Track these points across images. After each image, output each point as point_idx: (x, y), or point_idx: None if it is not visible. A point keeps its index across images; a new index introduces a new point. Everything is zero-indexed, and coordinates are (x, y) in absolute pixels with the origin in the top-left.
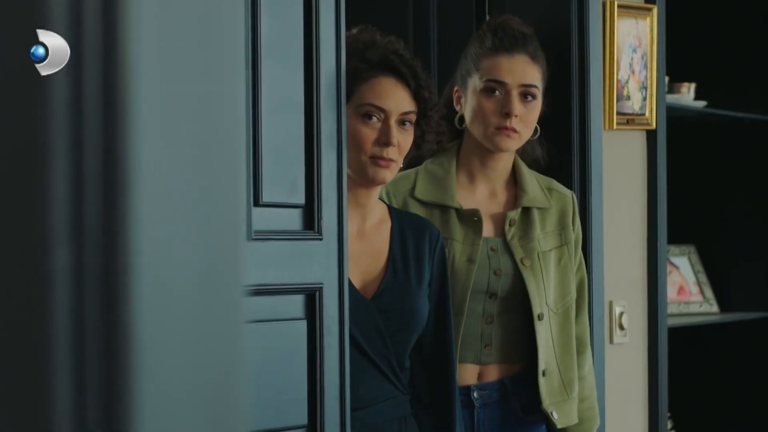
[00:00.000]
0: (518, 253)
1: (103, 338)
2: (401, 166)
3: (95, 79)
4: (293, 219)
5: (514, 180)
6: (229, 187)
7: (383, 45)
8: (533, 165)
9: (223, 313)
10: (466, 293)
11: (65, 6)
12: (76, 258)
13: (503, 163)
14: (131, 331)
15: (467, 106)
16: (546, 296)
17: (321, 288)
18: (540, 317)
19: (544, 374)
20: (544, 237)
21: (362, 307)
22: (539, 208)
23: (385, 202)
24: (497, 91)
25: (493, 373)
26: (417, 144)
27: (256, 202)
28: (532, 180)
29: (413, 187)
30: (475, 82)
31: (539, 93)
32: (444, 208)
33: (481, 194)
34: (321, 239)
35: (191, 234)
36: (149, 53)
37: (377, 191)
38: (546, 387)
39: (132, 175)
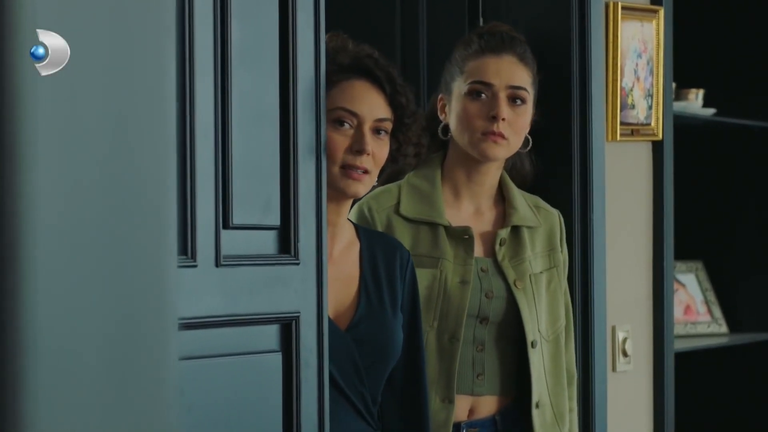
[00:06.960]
0: (511, 275)
1: None
2: (376, 181)
3: None
4: (267, 242)
5: (501, 197)
6: (156, 219)
7: (355, 50)
8: (521, 182)
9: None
10: (461, 317)
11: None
12: None
13: (490, 177)
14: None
15: (452, 113)
16: (538, 322)
17: (297, 317)
18: (533, 344)
19: (537, 406)
20: (534, 258)
21: (337, 339)
22: (528, 227)
23: (352, 222)
24: (483, 94)
25: (485, 408)
26: (393, 157)
27: (226, 225)
28: (520, 197)
29: (398, 203)
30: (460, 85)
31: (529, 97)
32: (432, 226)
33: (466, 211)
34: (298, 263)
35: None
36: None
37: (347, 208)
38: (539, 420)
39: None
